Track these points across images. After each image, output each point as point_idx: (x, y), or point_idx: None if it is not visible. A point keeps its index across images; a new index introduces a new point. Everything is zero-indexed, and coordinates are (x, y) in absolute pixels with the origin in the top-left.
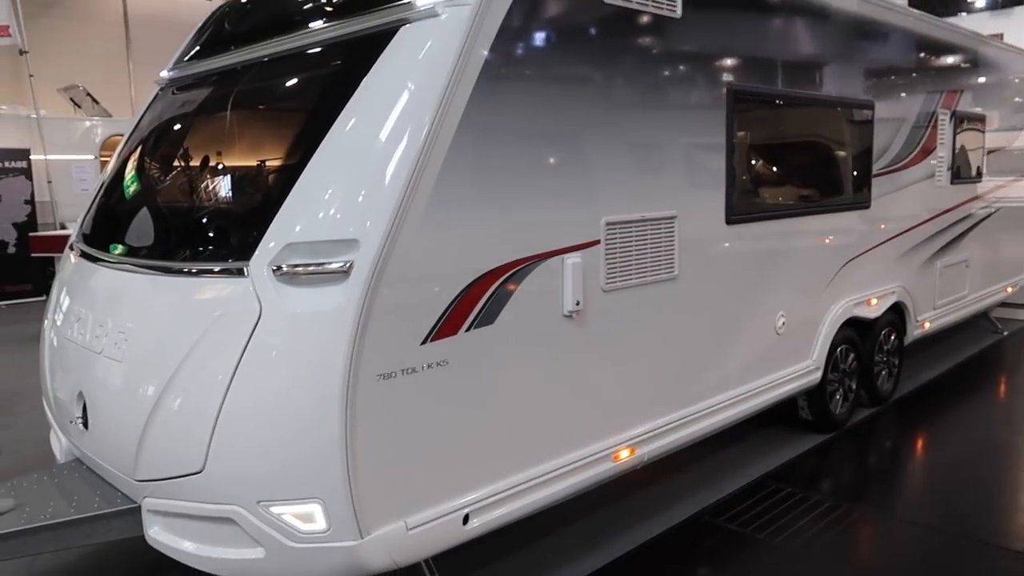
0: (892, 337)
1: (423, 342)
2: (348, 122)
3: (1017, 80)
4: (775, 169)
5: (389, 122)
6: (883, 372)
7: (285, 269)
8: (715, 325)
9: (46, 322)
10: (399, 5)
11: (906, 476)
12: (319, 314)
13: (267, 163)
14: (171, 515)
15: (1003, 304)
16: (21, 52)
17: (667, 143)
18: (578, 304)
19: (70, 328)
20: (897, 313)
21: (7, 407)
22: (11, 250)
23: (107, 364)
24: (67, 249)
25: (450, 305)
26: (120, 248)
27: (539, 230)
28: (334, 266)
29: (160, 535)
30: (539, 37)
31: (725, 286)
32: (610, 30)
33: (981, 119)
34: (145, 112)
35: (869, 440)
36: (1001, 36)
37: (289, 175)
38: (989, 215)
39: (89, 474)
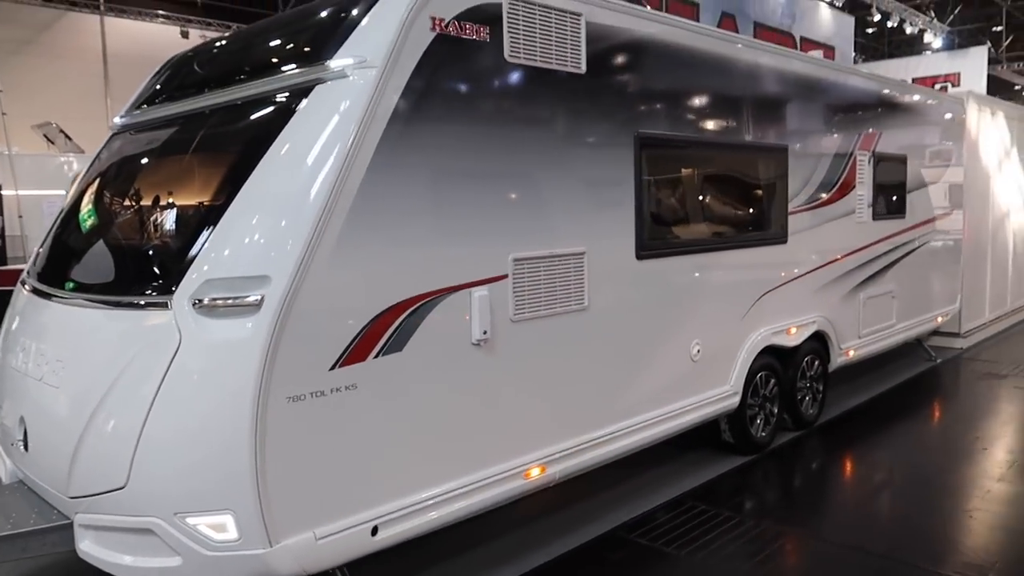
0: (816, 364)
1: (332, 367)
2: (265, 169)
3: (937, 122)
4: (686, 208)
5: (300, 170)
6: (807, 397)
7: (205, 302)
8: (626, 353)
9: None
10: (316, 67)
11: (822, 496)
12: (232, 342)
13: (194, 205)
14: (99, 528)
15: (938, 333)
16: None
17: (575, 185)
18: (485, 333)
19: (15, 357)
20: (820, 341)
21: None
22: None
23: (45, 390)
24: (19, 284)
25: (358, 334)
26: (65, 283)
27: (446, 266)
28: (248, 300)
29: (90, 548)
30: (444, 94)
31: (636, 317)
32: (515, 85)
33: (902, 159)
34: (97, 156)
35: (789, 462)
36: (958, 76)
37: (212, 216)
38: (915, 249)
39: (29, 494)
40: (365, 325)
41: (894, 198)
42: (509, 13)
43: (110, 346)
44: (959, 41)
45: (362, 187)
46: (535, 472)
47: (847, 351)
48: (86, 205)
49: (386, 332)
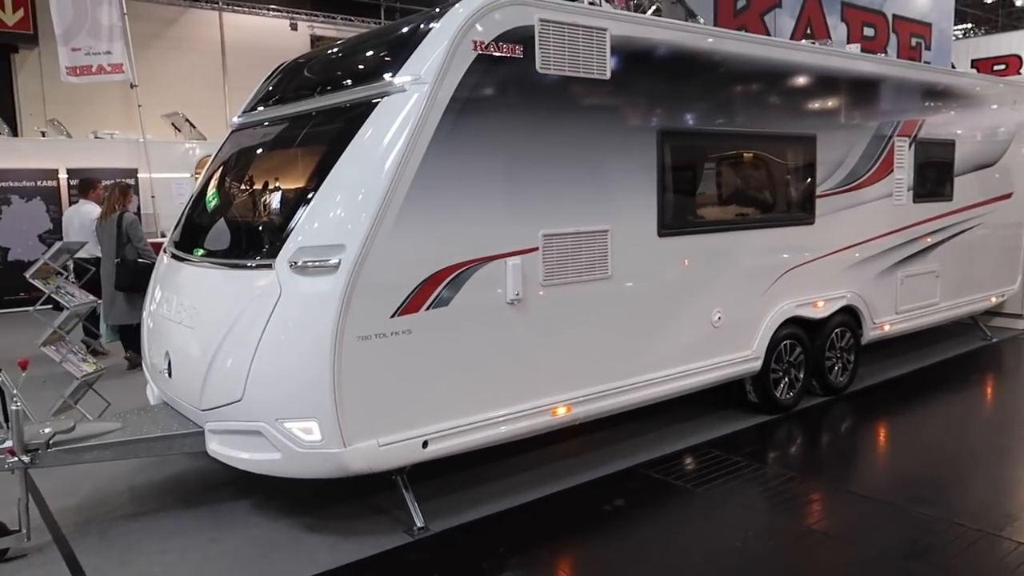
0: (847, 336)
1: (392, 316)
2: (344, 162)
3: (996, 107)
4: (707, 192)
5: (369, 164)
6: (836, 366)
7: (299, 264)
8: (647, 316)
9: (146, 308)
10: (383, 83)
11: (839, 451)
12: (317, 295)
13: (292, 189)
14: (223, 432)
15: (999, 314)
16: (132, 86)
17: (601, 175)
18: (518, 295)
19: (161, 308)
20: (851, 315)
21: (112, 384)
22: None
23: (184, 331)
24: (161, 252)
25: (412, 291)
26: (197, 250)
27: (484, 240)
28: (330, 263)
29: (217, 447)
30: (483, 101)
31: (657, 286)
32: (547, 90)
33: (949, 143)
34: (220, 149)
35: (811, 421)
36: None
37: (305, 198)
38: (965, 230)
39: (172, 411)
40: (418, 284)
41: (938, 181)
42: (540, 32)
43: (230, 297)
44: None
45: (416, 178)
46: (561, 411)
47: (882, 325)
48: (211, 190)
49: (435, 291)
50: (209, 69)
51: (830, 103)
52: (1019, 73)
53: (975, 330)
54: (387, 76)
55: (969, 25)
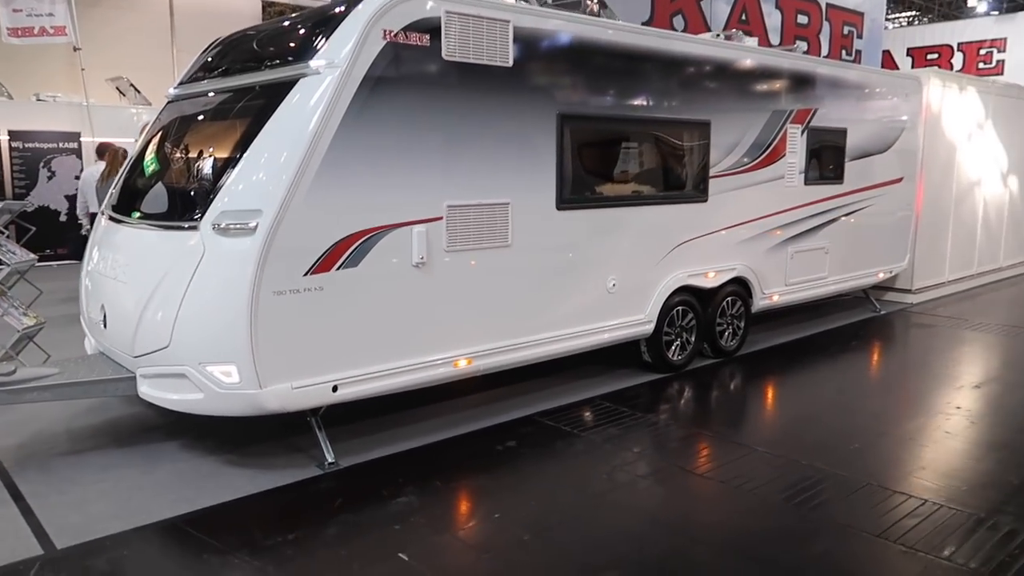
0: (737, 304)
1: (305, 274)
2: (264, 135)
3: (888, 97)
4: (604, 171)
5: (286, 137)
6: (727, 332)
7: (221, 226)
8: (544, 281)
9: (83, 266)
10: (301, 65)
11: (720, 406)
12: (237, 253)
13: (219, 158)
14: (152, 376)
15: (892, 289)
16: (75, 48)
17: (504, 153)
18: (422, 259)
19: (98, 266)
20: (742, 285)
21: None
22: (63, 218)
23: (118, 285)
24: (99, 215)
25: (324, 253)
26: (132, 212)
27: (392, 209)
28: (248, 225)
29: (147, 390)
30: (392, 83)
31: (555, 254)
32: (453, 75)
33: (840, 131)
34: (155, 119)
35: (697, 380)
36: (1005, 41)
37: (229, 167)
38: (856, 211)
39: (107, 360)
40: (329, 247)
41: (830, 165)
42: (446, 23)
43: (160, 255)
44: (1013, 4)
45: (329, 151)
46: (463, 363)
47: (771, 296)
48: (146, 156)
49: (345, 252)
50: (157, 33)
51: (723, 91)
52: (950, 63)
53: (867, 303)
54: (305, 59)
55: (913, 13)
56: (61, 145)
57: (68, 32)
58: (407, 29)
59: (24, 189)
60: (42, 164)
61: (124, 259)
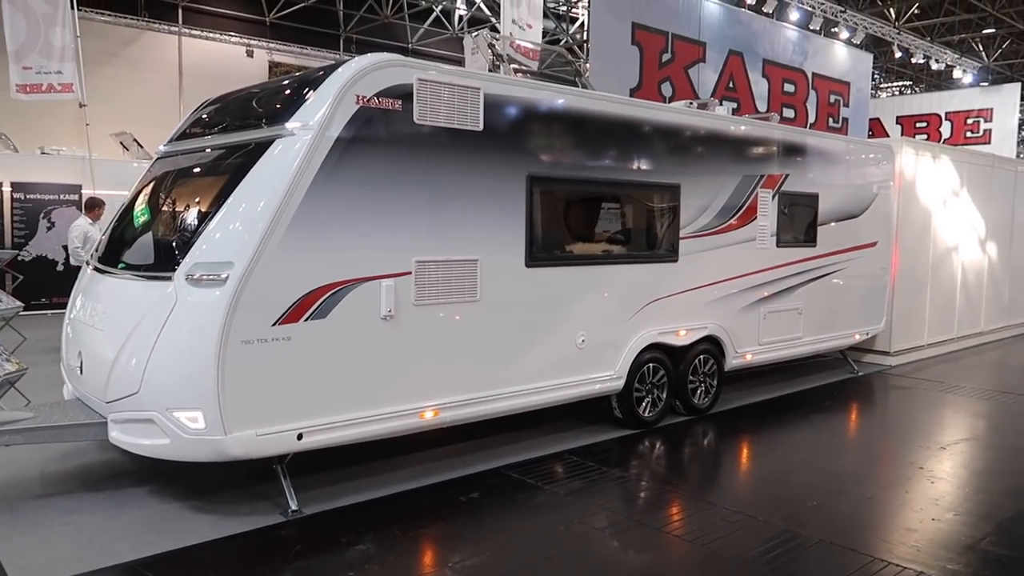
0: (710, 362)
1: (273, 324)
2: (240, 192)
3: (861, 164)
4: (573, 230)
5: (260, 194)
6: (699, 389)
7: (194, 277)
8: (513, 336)
9: (66, 316)
10: (277, 127)
11: (690, 463)
12: (207, 303)
13: (196, 213)
14: (122, 422)
15: (871, 351)
16: (80, 105)
17: (473, 211)
18: (390, 312)
19: (80, 314)
20: (714, 344)
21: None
22: (60, 268)
23: (96, 333)
24: (84, 265)
25: (293, 304)
26: (117, 264)
27: (361, 263)
28: (220, 276)
29: (117, 435)
30: (364, 145)
31: (524, 310)
32: (424, 138)
33: (812, 196)
34: (144, 174)
35: (667, 437)
36: (991, 111)
37: (205, 221)
38: (829, 273)
39: (82, 405)
40: (298, 298)
41: (803, 229)
42: (418, 90)
43: (135, 303)
44: (1001, 76)
45: (300, 208)
46: (429, 415)
47: (744, 355)
48: (131, 210)
49: (314, 304)
50: (164, 89)
51: (693, 156)
52: (939, 131)
53: (845, 364)
54: (282, 120)
55: (905, 83)
56: (62, 197)
57: (75, 89)
58: (380, 95)
59: (23, 239)
60: (42, 215)
61: (103, 307)
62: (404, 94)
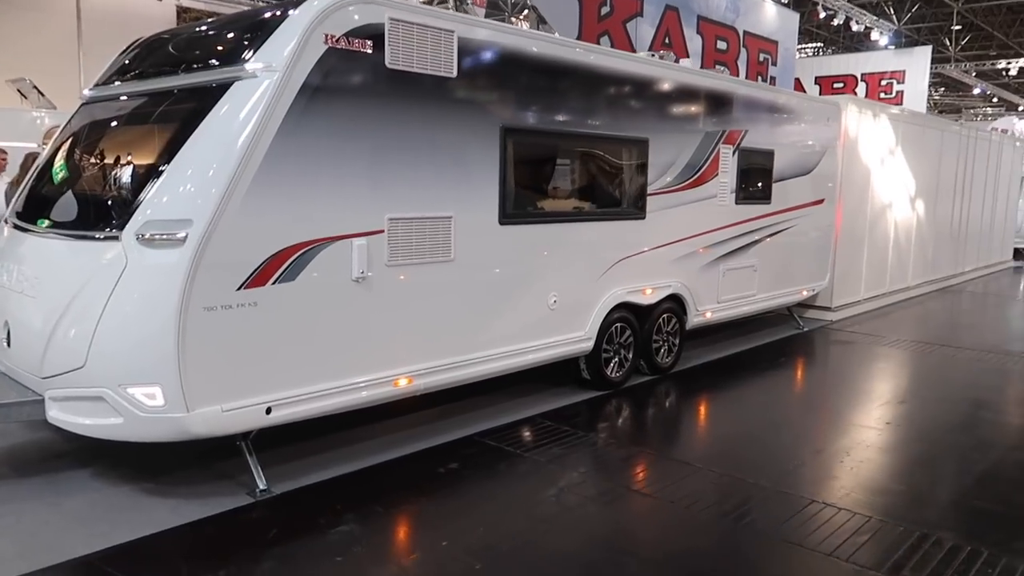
0: (672, 321)
1: (238, 288)
2: (195, 141)
3: (811, 122)
4: (546, 186)
5: (219, 144)
6: (663, 349)
7: (146, 237)
8: (487, 297)
9: None
10: (236, 67)
11: (659, 423)
12: (163, 267)
13: (143, 165)
14: (63, 399)
15: (812, 306)
16: None
17: (446, 164)
18: (363, 273)
19: (1, 278)
20: (677, 302)
21: None
22: None
23: (25, 300)
24: (2, 223)
25: (259, 266)
26: (42, 222)
27: (331, 221)
28: (177, 236)
29: (57, 414)
30: (333, 91)
31: (498, 269)
32: (396, 84)
33: (768, 153)
34: (69, 121)
35: (636, 397)
36: (903, 73)
37: (156, 174)
38: (782, 230)
39: (9, 380)
40: (264, 260)
41: (759, 186)
42: (390, 30)
43: (75, 267)
44: (911, 39)
45: (265, 159)
46: (403, 382)
47: (704, 313)
48: (58, 161)
49: (281, 266)
50: (63, 35)
51: (661, 110)
52: (855, 91)
53: (790, 320)
54: (241, 61)
55: (819, 44)
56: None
57: None
58: (350, 35)
59: None
60: None
61: (31, 271)
62: (375, 34)
